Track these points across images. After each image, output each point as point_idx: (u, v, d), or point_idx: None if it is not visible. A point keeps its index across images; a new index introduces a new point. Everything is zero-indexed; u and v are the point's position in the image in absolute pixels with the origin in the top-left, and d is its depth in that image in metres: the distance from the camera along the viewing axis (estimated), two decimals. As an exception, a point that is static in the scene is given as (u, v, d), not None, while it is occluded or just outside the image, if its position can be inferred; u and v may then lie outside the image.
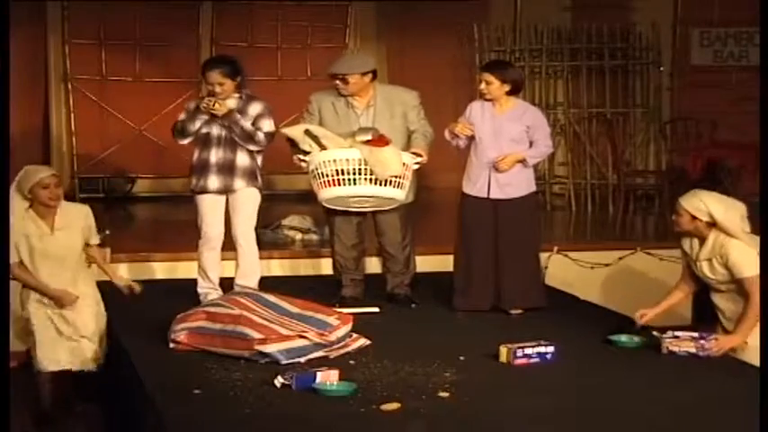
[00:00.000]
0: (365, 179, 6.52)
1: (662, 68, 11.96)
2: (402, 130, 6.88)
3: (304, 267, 8.11)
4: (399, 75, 11.72)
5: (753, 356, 5.75)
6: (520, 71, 7.18)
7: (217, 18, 11.79)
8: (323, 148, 6.62)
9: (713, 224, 5.89)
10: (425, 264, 7.62)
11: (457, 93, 11.19)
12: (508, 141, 6.76)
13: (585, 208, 11.46)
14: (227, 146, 6.83)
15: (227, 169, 6.85)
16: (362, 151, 6.51)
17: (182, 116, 6.98)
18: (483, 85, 6.81)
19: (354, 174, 6.51)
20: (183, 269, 7.98)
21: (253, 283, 6.92)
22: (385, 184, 6.56)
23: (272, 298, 6.08)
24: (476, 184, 6.82)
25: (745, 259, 5.80)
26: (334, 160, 6.53)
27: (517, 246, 6.81)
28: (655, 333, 6.01)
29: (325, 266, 7.95)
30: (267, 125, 6.86)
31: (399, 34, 11.99)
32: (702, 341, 5.77)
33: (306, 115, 6.97)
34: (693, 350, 5.78)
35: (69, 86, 11.45)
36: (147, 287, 7.56)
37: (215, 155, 6.84)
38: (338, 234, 7.06)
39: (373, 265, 7.80)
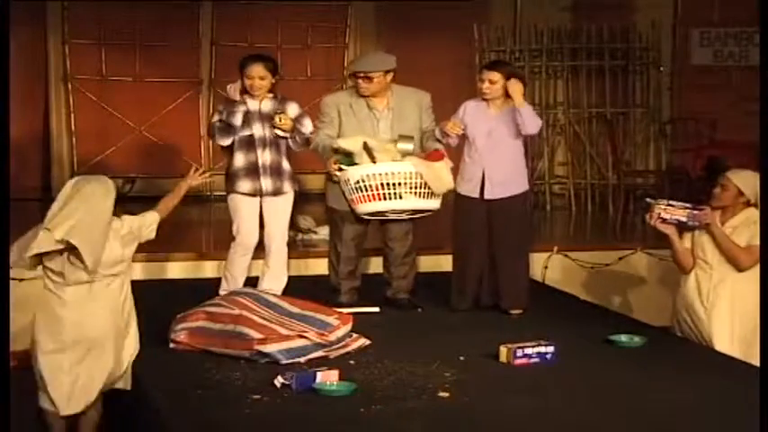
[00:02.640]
0: (410, 192, 6.49)
1: (662, 68, 11.96)
2: (417, 133, 6.83)
3: (304, 267, 8.11)
4: (399, 75, 11.70)
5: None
6: (522, 71, 7.10)
7: (217, 18, 11.78)
8: (373, 161, 6.56)
9: (748, 203, 6.02)
10: (425, 264, 7.62)
11: (457, 93, 11.12)
12: (503, 142, 6.74)
13: (585, 208, 11.46)
14: (273, 148, 6.86)
15: (277, 172, 6.87)
16: (419, 166, 6.48)
17: (215, 117, 6.95)
18: (486, 84, 6.76)
19: (397, 187, 6.47)
20: (185, 269, 7.99)
21: (280, 285, 6.92)
22: (427, 197, 6.55)
23: (272, 298, 6.09)
24: (469, 183, 6.80)
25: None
26: (382, 173, 6.49)
27: (509, 246, 6.80)
28: (649, 199, 6.28)
29: (324, 266, 7.95)
30: (309, 125, 6.88)
31: (399, 34, 11.96)
32: (695, 211, 6.03)
33: (327, 120, 6.85)
34: (684, 218, 6.06)
35: (69, 86, 11.44)
36: (147, 287, 7.59)
37: (262, 157, 6.84)
38: (345, 239, 6.99)
39: (372, 265, 7.80)
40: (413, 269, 7.10)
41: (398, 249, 6.99)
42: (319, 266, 8.07)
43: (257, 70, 6.82)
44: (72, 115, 11.46)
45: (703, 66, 12.37)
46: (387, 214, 6.72)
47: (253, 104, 6.87)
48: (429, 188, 6.54)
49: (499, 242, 6.80)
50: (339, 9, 12.06)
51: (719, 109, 11.78)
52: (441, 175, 6.54)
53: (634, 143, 11.85)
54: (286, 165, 6.90)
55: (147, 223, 5.56)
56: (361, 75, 6.77)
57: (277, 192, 6.89)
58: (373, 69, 6.77)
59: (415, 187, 6.51)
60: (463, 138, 6.79)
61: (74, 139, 11.43)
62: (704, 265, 6.09)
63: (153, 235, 5.60)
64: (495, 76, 6.74)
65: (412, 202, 6.56)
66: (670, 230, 6.14)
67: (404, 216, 6.79)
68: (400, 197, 6.52)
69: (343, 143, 6.69)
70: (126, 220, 5.46)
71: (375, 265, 7.69)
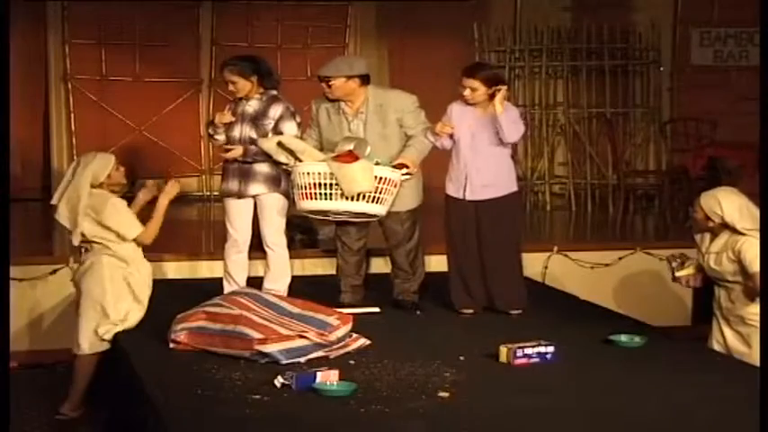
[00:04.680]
0: (340, 194, 6.41)
1: (662, 68, 11.97)
2: (396, 137, 6.76)
3: (304, 267, 8.11)
4: (399, 74, 11.73)
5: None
6: (501, 71, 6.94)
7: (217, 18, 11.79)
8: (298, 160, 6.54)
9: (725, 225, 5.91)
10: (430, 263, 7.59)
11: (457, 93, 11.16)
12: (486, 144, 6.71)
13: (585, 208, 11.46)
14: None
15: (245, 174, 6.82)
16: (331, 166, 6.40)
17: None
18: (468, 92, 6.69)
19: (329, 188, 6.40)
20: (184, 269, 7.99)
21: (282, 286, 6.90)
22: (359, 199, 6.43)
23: (272, 298, 6.09)
24: (455, 185, 6.79)
25: (751, 254, 5.81)
26: (309, 173, 6.44)
27: (497, 247, 6.79)
28: (677, 275, 6.28)
29: (323, 266, 7.96)
30: (289, 128, 6.80)
31: (399, 34, 11.99)
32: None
33: (311, 121, 6.92)
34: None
35: (69, 86, 11.44)
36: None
37: (235, 159, 6.84)
38: (342, 238, 7.00)
39: (376, 265, 7.80)
40: (417, 271, 7.06)
41: (401, 251, 6.98)
42: (320, 266, 8.08)
43: (225, 75, 6.86)
44: (72, 115, 11.47)
45: (703, 66, 12.38)
46: (328, 214, 6.70)
47: (241, 105, 6.88)
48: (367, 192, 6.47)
49: (487, 243, 6.78)
50: (339, 9, 12.07)
51: (719, 109, 11.79)
52: (350, 176, 6.37)
53: (634, 143, 11.86)
54: (260, 167, 6.80)
55: (124, 218, 6.27)
56: (323, 79, 6.75)
57: (243, 194, 6.85)
58: (330, 75, 6.72)
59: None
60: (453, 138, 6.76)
61: (74, 139, 11.44)
62: (718, 279, 6.08)
63: (127, 235, 6.27)
64: (475, 83, 6.68)
65: (341, 204, 6.46)
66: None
67: (347, 218, 6.72)
68: (330, 198, 6.45)
69: (261, 143, 6.71)
70: (110, 205, 6.20)
71: (381, 266, 7.69)
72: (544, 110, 11.63)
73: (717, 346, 6.03)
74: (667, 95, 12.19)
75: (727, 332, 5.99)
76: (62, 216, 6.23)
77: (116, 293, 6.22)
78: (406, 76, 11.38)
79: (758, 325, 5.81)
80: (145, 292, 6.33)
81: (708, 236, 6.05)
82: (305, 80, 11.51)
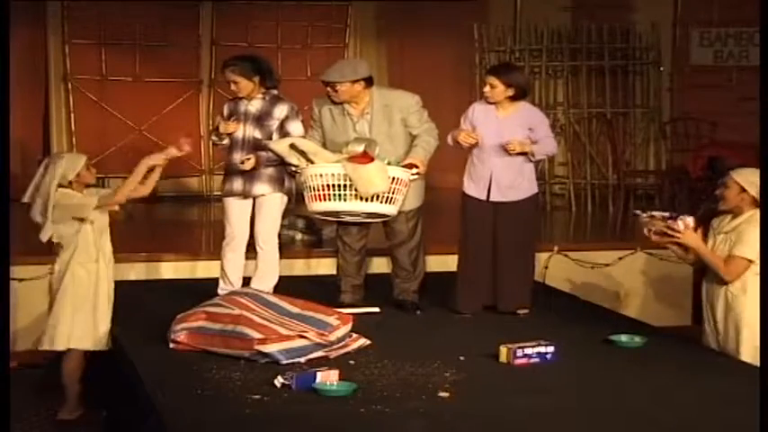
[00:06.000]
0: (353, 195, 6.41)
1: (662, 68, 11.97)
2: (402, 136, 6.77)
3: (304, 267, 8.11)
4: (399, 75, 11.73)
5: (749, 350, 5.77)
6: (526, 76, 7.01)
7: (217, 18, 11.80)
8: (310, 161, 6.55)
9: (755, 202, 5.83)
10: (432, 263, 7.60)
11: (457, 93, 11.19)
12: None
13: (585, 208, 11.47)
14: (251, 150, 6.79)
15: (250, 174, 6.81)
16: (346, 168, 6.40)
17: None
18: (487, 89, 6.75)
19: (343, 189, 6.40)
20: (184, 269, 7.99)
21: (268, 286, 6.90)
22: (373, 200, 6.43)
23: (272, 298, 6.09)
24: (477, 186, 6.79)
25: (751, 240, 5.77)
26: (321, 175, 6.44)
27: (515, 248, 6.80)
28: (636, 212, 6.36)
29: (324, 266, 7.95)
30: (295, 128, 6.82)
31: (399, 34, 12.00)
32: (671, 221, 5.99)
33: (313, 123, 6.91)
34: (664, 230, 6.03)
35: (69, 86, 11.45)
36: (147, 287, 7.61)
37: (239, 158, 6.82)
38: (343, 237, 7.00)
39: (376, 265, 7.80)
40: (418, 270, 7.06)
41: (404, 250, 6.98)
42: (321, 266, 8.08)
43: (227, 75, 6.85)
44: (72, 115, 11.48)
45: (703, 66, 12.38)
46: (341, 215, 6.69)
47: (243, 105, 6.88)
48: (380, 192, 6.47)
49: (504, 244, 6.78)
50: (339, 9, 12.08)
51: (719, 109, 11.79)
52: (366, 177, 6.36)
53: (634, 143, 11.86)
54: (266, 168, 6.80)
55: (75, 202, 6.17)
56: (329, 84, 6.74)
57: (248, 194, 6.86)
58: (336, 80, 6.70)
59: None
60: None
61: (74, 139, 11.44)
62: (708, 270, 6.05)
63: (83, 214, 6.17)
64: (494, 80, 6.71)
65: (354, 205, 6.45)
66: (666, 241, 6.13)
67: (359, 219, 6.72)
68: (343, 199, 6.45)
69: (272, 145, 6.71)
70: (60, 194, 6.12)
71: (381, 265, 7.69)
72: (544, 110, 11.60)
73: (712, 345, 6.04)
74: (667, 95, 12.19)
75: (710, 332, 5.99)
76: (35, 213, 6.16)
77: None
78: (406, 76, 11.38)
79: (736, 328, 5.81)
80: (90, 301, 6.27)
81: (728, 217, 5.98)
82: (305, 80, 11.52)
